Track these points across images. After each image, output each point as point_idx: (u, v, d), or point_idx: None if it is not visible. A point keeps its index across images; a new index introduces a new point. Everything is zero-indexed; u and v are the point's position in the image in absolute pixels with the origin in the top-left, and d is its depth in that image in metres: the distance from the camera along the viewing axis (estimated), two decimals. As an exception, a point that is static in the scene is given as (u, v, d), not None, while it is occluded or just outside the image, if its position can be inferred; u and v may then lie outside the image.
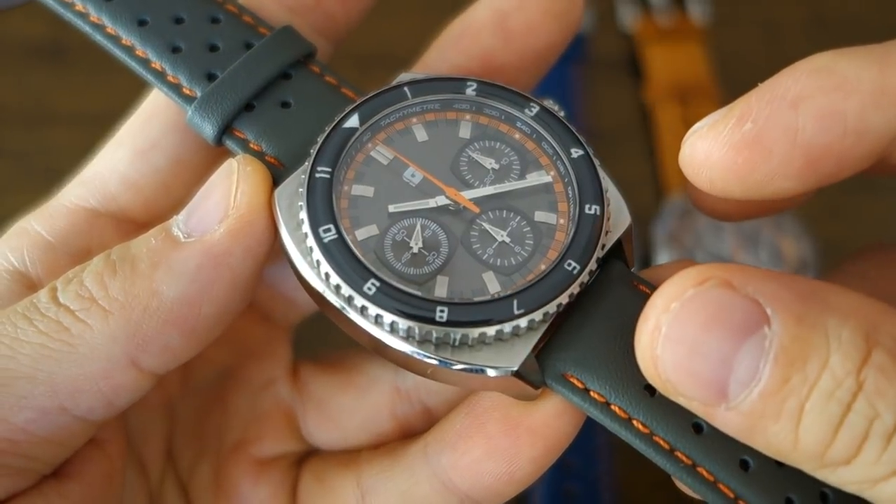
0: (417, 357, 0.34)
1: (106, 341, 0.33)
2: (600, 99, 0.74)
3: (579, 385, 0.34)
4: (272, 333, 0.45)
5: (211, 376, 0.44)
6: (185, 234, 0.34)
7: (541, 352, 0.34)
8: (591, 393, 0.34)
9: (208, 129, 0.37)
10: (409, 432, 0.42)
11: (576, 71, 0.74)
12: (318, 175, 0.35)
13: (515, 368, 0.33)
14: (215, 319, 0.35)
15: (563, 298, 0.34)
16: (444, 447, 0.37)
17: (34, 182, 0.67)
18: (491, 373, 0.34)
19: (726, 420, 0.29)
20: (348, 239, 0.34)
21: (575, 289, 0.34)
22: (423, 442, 0.39)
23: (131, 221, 0.40)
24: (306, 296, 0.36)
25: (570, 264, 0.34)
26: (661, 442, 0.33)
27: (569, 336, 0.35)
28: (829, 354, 0.28)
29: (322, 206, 0.35)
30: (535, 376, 0.34)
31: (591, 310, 0.35)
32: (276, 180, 0.36)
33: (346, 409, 0.42)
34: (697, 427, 0.33)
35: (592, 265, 0.35)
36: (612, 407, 0.33)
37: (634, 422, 0.33)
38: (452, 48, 0.41)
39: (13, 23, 0.73)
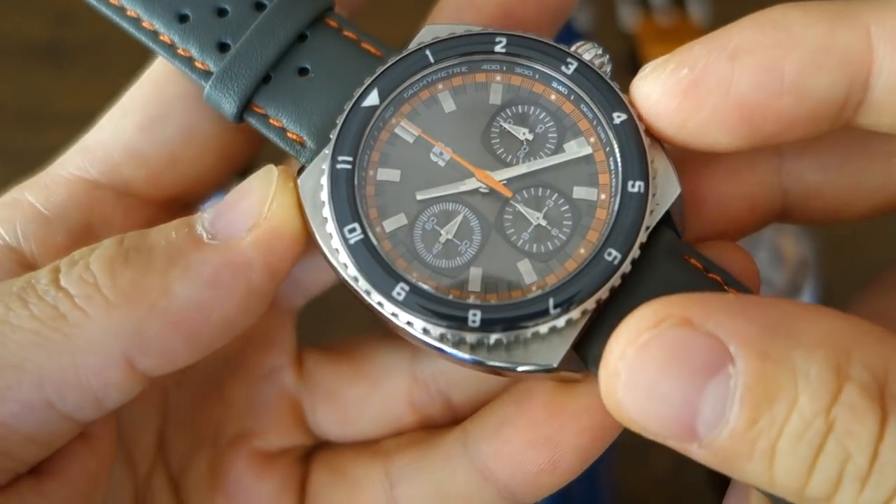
0: (454, 357, 0.33)
1: (104, 335, 0.31)
2: (600, 99, 0.74)
3: None
4: (275, 318, 0.42)
5: (208, 364, 0.41)
6: (209, 235, 0.33)
7: (583, 339, 0.33)
8: None
9: (227, 108, 0.36)
10: (430, 425, 0.40)
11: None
12: (339, 166, 0.34)
13: (554, 366, 0.32)
14: (221, 330, 0.33)
15: (603, 293, 0.32)
16: (485, 434, 0.36)
17: (34, 182, 0.67)
18: (529, 369, 0.33)
19: (701, 456, 0.28)
20: (375, 237, 0.33)
21: (616, 281, 0.32)
22: (462, 430, 0.37)
23: (134, 196, 0.38)
24: (311, 276, 0.34)
25: (610, 253, 0.32)
26: None
27: (613, 321, 0.32)
28: (797, 394, 0.26)
29: (346, 201, 0.33)
30: (576, 365, 0.33)
31: (637, 288, 0.33)
32: (299, 160, 0.35)
33: (359, 400, 0.40)
34: None
35: (635, 252, 0.33)
36: None
37: None
38: (467, 5, 0.39)
39: (13, 23, 0.74)
